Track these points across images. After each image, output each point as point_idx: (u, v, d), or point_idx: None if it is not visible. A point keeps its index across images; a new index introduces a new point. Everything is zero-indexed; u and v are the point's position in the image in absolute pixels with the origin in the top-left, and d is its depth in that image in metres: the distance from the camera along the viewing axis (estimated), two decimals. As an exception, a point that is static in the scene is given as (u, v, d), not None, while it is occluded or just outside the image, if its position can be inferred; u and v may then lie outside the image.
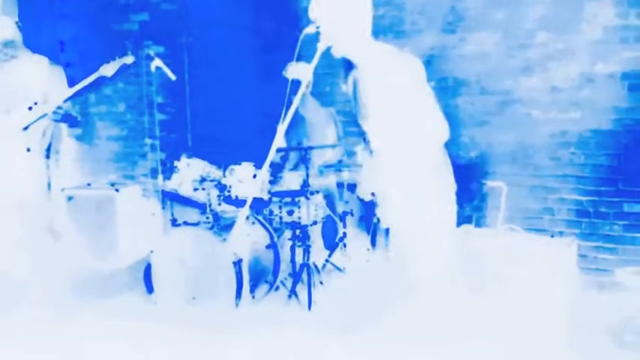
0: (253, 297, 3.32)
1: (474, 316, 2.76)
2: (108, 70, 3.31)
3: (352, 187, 4.09)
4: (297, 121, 4.08)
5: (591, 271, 3.93)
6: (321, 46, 2.30)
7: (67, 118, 3.38)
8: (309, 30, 2.35)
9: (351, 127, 4.80)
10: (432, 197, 2.62)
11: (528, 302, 2.92)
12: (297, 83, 2.78)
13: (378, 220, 2.88)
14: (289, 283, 3.54)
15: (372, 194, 2.81)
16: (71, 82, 3.40)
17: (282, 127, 2.18)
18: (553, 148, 4.06)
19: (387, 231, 3.20)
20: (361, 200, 4.18)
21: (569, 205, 4.05)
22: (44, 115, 3.28)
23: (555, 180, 4.08)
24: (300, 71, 3.62)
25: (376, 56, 2.63)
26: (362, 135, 2.84)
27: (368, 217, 4.33)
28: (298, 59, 2.82)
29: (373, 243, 4.28)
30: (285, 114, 2.18)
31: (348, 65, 2.74)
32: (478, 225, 3.99)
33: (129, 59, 3.38)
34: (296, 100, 2.16)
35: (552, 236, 3.55)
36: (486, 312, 2.85)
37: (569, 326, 2.97)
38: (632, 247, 3.84)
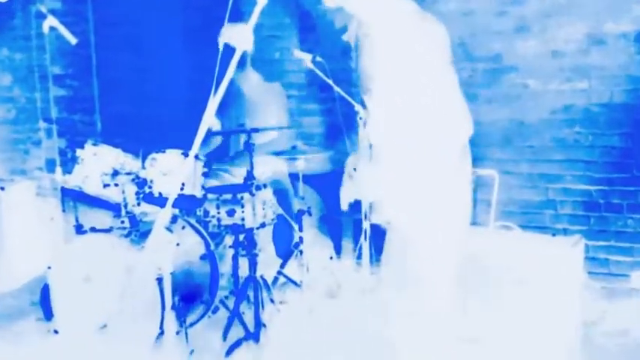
0: (183, 321, 3.27)
1: (462, 338, 2.79)
2: None
3: (310, 179, 4.08)
4: (237, 96, 4.05)
5: (602, 275, 4.03)
6: (260, 1, 2.24)
7: None
8: None
9: (309, 103, 4.79)
10: (444, 201, 2.62)
11: (528, 316, 2.97)
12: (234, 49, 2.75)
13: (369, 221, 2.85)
14: (231, 302, 3.51)
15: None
16: None
17: (213, 101, 2.14)
18: (555, 127, 4.14)
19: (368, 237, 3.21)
20: (322, 195, 4.16)
21: (575, 197, 4.13)
22: None
23: (558, 166, 4.16)
24: (236, 34, 3.57)
25: (392, 14, 2.56)
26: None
27: (331, 217, 4.34)
28: (235, 18, 2.78)
29: (338, 250, 4.29)
30: (217, 85, 2.14)
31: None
32: (465, 223, 4.05)
33: None
34: (230, 68, 2.13)
35: (554, 235, 3.64)
36: (477, 330, 2.88)
37: (577, 343, 3.05)
38: (650, 246, 3.98)
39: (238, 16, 2.82)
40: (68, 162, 3.57)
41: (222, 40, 3.67)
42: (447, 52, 2.61)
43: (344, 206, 3.03)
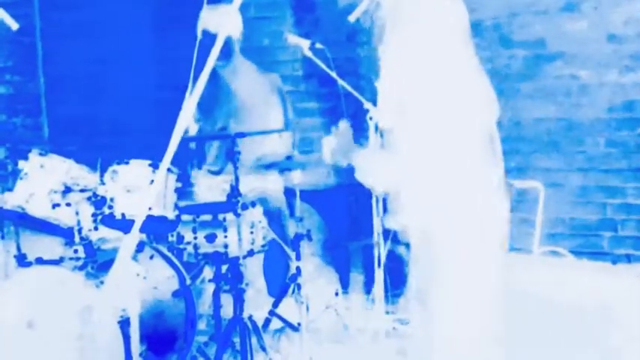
0: (154, 376, 3.28)
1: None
2: None
3: (309, 196, 4.08)
4: (220, 93, 4.06)
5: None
6: None
7: None
8: None
9: (306, 101, 4.79)
10: (472, 200, 2.68)
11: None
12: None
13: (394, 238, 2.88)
14: (212, 351, 3.52)
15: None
16: None
17: (190, 101, 2.15)
18: (612, 128, 4.15)
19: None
20: (324, 216, 4.15)
21: (639, 215, 4.15)
22: None
23: (617, 177, 4.16)
24: (218, 18, 3.59)
25: None
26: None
27: (335, 242, 4.33)
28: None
29: (345, 283, 4.27)
30: (195, 80, 2.15)
31: None
32: (503, 248, 4.04)
33: None
34: (211, 59, 2.14)
35: (615, 262, 3.62)
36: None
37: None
38: None
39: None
40: (8, 176, 3.57)
41: (201, 27, 3.70)
42: (467, 28, 2.77)
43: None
